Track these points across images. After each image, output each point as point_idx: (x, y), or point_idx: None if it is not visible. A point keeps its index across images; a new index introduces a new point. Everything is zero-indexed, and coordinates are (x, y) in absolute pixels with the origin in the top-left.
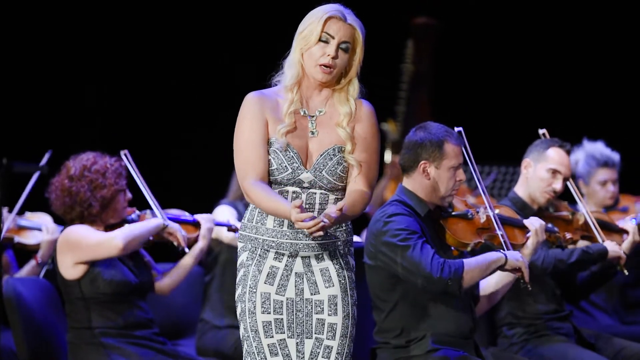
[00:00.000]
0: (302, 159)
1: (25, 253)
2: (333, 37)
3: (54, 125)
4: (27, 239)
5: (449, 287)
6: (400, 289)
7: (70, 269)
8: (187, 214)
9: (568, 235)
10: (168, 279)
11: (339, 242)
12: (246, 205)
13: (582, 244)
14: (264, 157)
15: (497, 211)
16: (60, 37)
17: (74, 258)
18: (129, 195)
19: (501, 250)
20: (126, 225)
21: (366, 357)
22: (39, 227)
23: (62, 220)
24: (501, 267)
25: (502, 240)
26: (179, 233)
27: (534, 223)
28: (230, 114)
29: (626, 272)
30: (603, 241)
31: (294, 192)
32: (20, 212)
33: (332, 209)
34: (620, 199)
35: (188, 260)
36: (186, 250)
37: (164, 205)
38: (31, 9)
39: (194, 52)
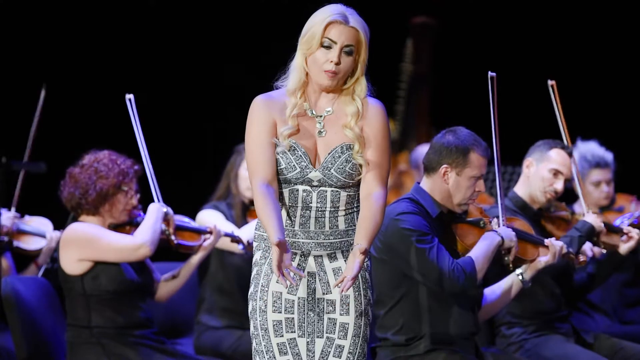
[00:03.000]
0: (311, 158)
1: (22, 257)
2: (335, 42)
3: (52, 126)
4: (28, 244)
5: (467, 290)
6: (406, 286)
7: (74, 264)
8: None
9: (582, 258)
10: (165, 287)
11: (351, 240)
12: (229, 206)
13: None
14: (271, 159)
15: (512, 224)
16: (59, 36)
17: (80, 254)
18: (135, 201)
19: (494, 230)
20: (141, 228)
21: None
22: (41, 234)
23: (62, 225)
24: (499, 245)
25: (511, 256)
26: (171, 216)
27: (555, 245)
28: (219, 119)
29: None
30: (598, 245)
31: (304, 191)
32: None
33: (348, 273)
34: (616, 199)
35: (187, 270)
36: (173, 238)
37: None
38: (31, 7)
39: (185, 56)
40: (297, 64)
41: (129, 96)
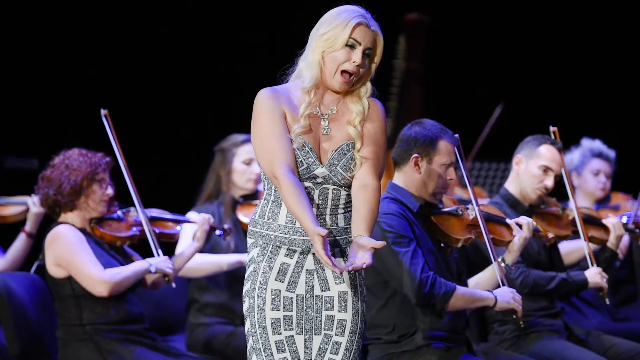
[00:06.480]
0: (317, 155)
1: (10, 231)
2: (360, 44)
3: (45, 123)
4: (7, 209)
5: (432, 306)
6: (393, 286)
7: (53, 268)
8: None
9: (551, 235)
10: (159, 277)
11: (350, 238)
12: (220, 205)
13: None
14: (290, 146)
15: (483, 209)
16: (54, 33)
17: (57, 260)
18: (110, 191)
19: (493, 292)
20: (118, 270)
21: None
22: (21, 202)
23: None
24: (489, 307)
25: (485, 237)
26: (167, 270)
27: (528, 221)
28: (208, 114)
29: (607, 301)
30: (586, 239)
31: (306, 187)
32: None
33: (357, 261)
34: (612, 197)
35: (180, 261)
36: (173, 285)
37: (145, 203)
38: (24, 5)
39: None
40: (313, 60)
41: (104, 112)
